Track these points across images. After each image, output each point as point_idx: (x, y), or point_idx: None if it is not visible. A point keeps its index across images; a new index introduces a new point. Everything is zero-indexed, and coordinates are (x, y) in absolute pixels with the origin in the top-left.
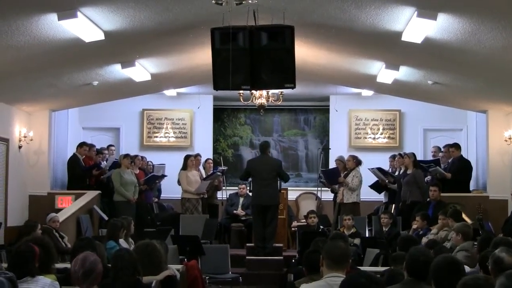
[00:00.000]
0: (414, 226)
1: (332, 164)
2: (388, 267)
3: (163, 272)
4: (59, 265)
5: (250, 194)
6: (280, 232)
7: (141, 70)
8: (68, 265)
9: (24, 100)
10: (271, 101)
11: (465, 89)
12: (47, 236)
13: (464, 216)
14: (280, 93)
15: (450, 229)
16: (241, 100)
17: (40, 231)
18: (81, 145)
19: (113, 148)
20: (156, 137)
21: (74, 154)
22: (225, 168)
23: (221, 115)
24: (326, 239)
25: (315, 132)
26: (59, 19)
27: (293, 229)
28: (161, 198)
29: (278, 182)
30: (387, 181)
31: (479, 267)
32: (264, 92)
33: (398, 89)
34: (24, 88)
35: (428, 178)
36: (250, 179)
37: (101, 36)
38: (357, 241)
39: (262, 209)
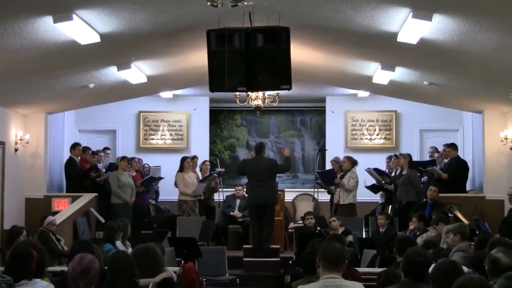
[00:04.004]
0: (411, 227)
1: (328, 165)
2: (385, 268)
3: (160, 275)
4: (56, 268)
5: (247, 195)
6: (277, 233)
7: (137, 72)
8: (65, 268)
9: (20, 102)
10: (267, 102)
11: (461, 89)
12: (44, 239)
13: (460, 216)
14: (276, 94)
15: (441, 233)
16: (237, 101)
17: (24, 237)
18: (74, 146)
19: (108, 151)
20: (153, 139)
21: (70, 156)
22: (222, 169)
23: (217, 116)
24: (323, 240)
25: (311, 133)
26: (55, 21)
27: (290, 230)
28: (158, 200)
29: (275, 182)
30: (383, 181)
31: (472, 267)
32: (260, 94)
33: (394, 90)
34: (20, 90)
35: (425, 178)
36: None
37: (97, 39)
38: (350, 237)
39: (259, 209)
